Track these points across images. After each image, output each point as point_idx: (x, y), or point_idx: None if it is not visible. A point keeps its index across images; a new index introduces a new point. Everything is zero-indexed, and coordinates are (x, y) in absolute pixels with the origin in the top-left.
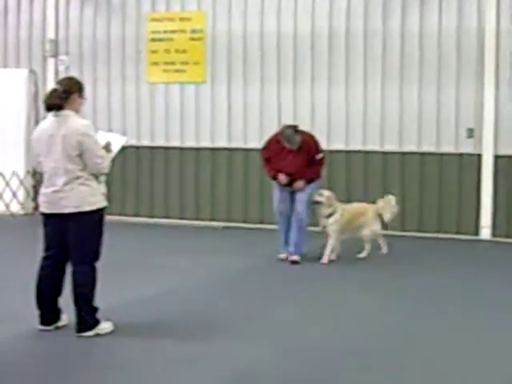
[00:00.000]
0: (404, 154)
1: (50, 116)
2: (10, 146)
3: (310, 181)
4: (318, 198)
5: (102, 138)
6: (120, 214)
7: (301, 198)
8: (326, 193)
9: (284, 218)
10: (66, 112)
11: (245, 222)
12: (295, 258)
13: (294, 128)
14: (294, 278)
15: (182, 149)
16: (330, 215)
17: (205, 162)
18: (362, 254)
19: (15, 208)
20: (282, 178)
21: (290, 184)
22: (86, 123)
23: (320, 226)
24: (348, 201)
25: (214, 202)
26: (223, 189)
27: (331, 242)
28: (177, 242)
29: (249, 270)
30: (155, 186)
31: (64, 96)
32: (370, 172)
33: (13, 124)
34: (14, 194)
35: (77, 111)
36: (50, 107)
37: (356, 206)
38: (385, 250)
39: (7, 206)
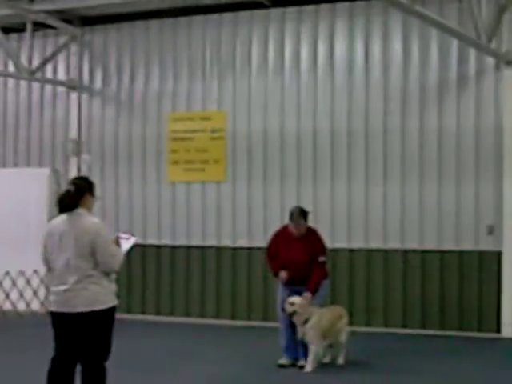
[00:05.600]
0: (424, 252)
1: (63, 214)
2: (31, 243)
3: (315, 290)
4: (290, 310)
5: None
6: (141, 313)
7: None
8: (298, 300)
9: (287, 317)
10: (79, 211)
11: (266, 320)
12: (304, 363)
13: (302, 210)
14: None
15: (203, 248)
16: (306, 321)
17: (226, 261)
18: (341, 360)
19: (36, 306)
20: (283, 275)
21: (294, 283)
22: (97, 222)
23: (299, 334)
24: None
25: (234, 301)
26: (244, 288)
27: (313, 349)
28: (195, 343)
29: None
30: (176, 285)
31: (77, 196)
32: (390, 271)
33: (34, 222)
34: (35, 293)
35: (89, 209)
36: (64, 209)
37: (333, 309)
38: (341, 360)
39: (28, 304)
